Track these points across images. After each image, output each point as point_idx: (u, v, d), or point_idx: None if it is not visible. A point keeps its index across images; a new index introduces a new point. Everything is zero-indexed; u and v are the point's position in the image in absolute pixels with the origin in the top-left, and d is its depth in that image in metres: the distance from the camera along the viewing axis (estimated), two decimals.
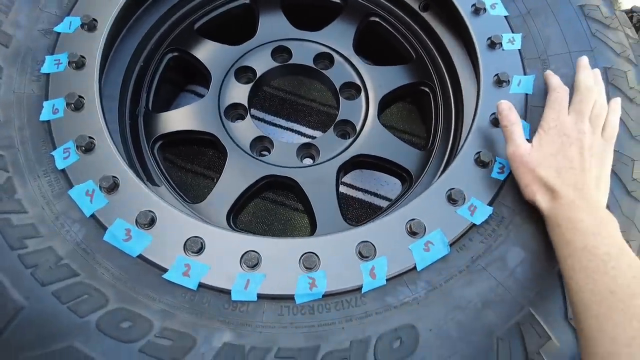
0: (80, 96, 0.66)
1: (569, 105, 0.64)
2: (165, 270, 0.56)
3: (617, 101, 0.65)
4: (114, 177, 0.61)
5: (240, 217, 0.99)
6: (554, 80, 0.67)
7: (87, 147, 0.63)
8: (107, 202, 0.60)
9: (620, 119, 0.68)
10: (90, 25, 0.72)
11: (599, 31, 0.76)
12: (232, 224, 0.75)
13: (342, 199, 1.05)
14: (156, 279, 0.56)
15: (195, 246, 0.57)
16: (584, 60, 0.68)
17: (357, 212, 1.03)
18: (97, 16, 0.73)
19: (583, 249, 0.51)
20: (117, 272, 0.56)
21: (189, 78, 1.08)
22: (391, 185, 1.03)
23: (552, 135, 0.60)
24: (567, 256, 0.53)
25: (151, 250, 0.57)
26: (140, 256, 0.57)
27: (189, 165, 1.03)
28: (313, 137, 1.05)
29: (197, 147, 1.02)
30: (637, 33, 1.57)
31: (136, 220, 0.59)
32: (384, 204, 1.02)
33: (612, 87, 0.71)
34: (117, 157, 0.64)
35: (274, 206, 1.01)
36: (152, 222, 0.59)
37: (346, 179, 1.08)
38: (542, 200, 0.58)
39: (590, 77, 0.65)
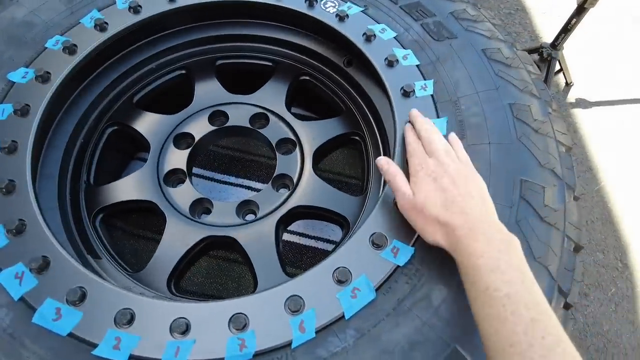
0: (10, 180, 0.68)
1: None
2: (96, 345, 0.56)
3: (452, 135, 0.73)
4: (44, 256, 0.62)
5: (193, 279, 1.00)
6: (409, 135, 0.73)
7: (18, 230, 0.65)
8: (37, 283, 0.61)
9: (528, 149, 0.73)
10: (22, 111, 0.75)
11: (502, 71, 0.82)
12: (173, 289, 0.76)
13: (296, 249, 1.07)
14: (87, 356, 0.56)
15: (124, 318, 0.58)
16: (415, 111, 0.76)
17: (312, 260, 1.04)
18: (30, 101, 0.77)
19: (485, 291, 0.52)
20: (46, 354, 0.56)
21: (136, 147, 1.12)
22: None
23: (422, 177, 0.65)
24: (473, 300, 0.54)
25: (82, 326, 0.58)
26: (70, 334, 0.57)
27: (139, 231, 1.04)
28: (258, 190, 1.08)
29: (141, 214, 1.04)
30: (547, 66, 1.68)
31: (66, 298, 0.59)
32: None
33: (518, 121, 0.77)
34: (49, 237, 0.65)
35: (227, 264, 1.02)
36: (82, 298, 0.60)
37: (298, 228, 1.10)
38: (441, 239, 0.60)
39: (425, 124, 0.72)
